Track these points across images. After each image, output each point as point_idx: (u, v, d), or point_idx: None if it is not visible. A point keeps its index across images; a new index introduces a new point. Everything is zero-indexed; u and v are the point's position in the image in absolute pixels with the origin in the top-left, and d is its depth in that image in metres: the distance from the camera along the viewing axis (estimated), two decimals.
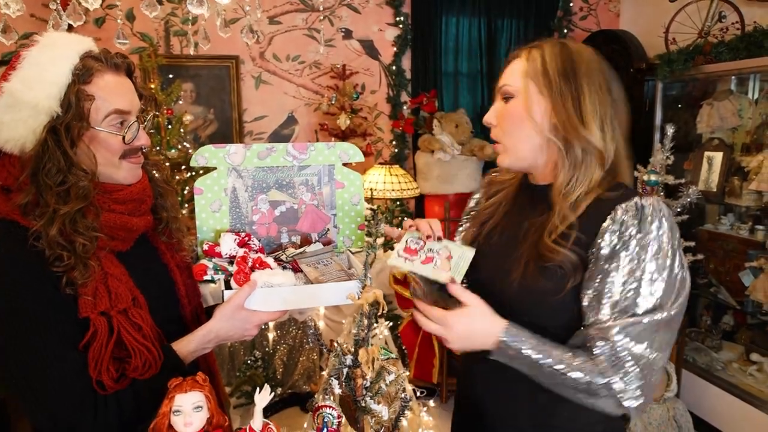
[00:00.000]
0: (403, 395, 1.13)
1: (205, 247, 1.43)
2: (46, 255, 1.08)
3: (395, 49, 4.43)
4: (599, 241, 1.14)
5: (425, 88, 4.40)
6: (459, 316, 1.19)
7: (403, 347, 3.59)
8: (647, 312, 1.09)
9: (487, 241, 1.37)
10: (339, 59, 4.34)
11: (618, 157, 1.24)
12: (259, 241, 1.48)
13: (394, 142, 4.49)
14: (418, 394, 1.16)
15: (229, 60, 4.17)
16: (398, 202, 4.34)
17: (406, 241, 1.32)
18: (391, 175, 3.85)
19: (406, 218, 1.37)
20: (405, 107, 4.49)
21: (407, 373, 1.17)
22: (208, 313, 1.46)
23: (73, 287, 1.10)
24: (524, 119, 1.24)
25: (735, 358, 3.46)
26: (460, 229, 1.53)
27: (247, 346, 3.51)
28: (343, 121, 4.09)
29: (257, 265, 1.34)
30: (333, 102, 4.17)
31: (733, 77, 3.40)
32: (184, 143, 3.52)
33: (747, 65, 3.09)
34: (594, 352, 1.11)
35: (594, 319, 1.13)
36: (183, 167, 3.47)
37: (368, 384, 1.17)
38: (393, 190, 3.78)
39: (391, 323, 3.68)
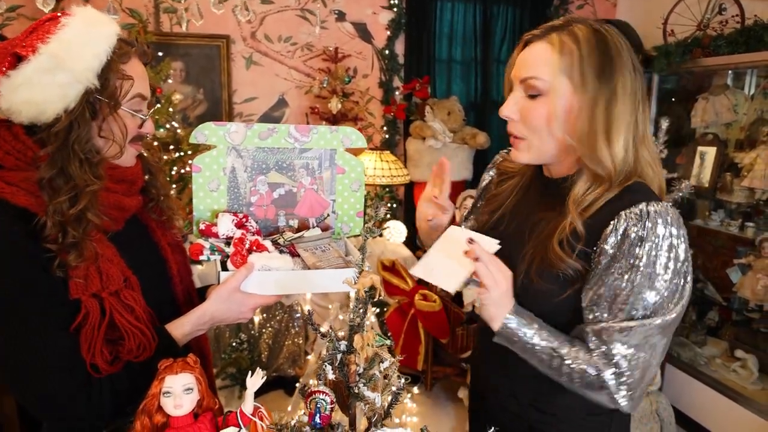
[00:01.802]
0: (398, 383, 1.11)
1: (202, 226, 1.39)
2: (45, 233, 1.06)
3: (389, 33, 4.37)
4: (602, 245, 1.12)
5: (418, 73, 4.36)
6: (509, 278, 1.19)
7: (389, 334, 3.58)
8: (642, 317, 1.09)
9: (494, 231, 1.34)
10: (331, 42, 4.28)
11: (640, 162, 1.18)
12: (256, 223, 1.45)
13: (385, 128, 4.45)
14: (403, 381, 1.15)
15: (219, 39, 4.09)
16: (388, 189, 4.31)
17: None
18: (381, 161, 3.82)
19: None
20: (397, 93, 4.45)
21: (398, 359, 1.16)
22: (199, 294, 1.44)
23: (64, 269, 1.08)
24: (553, 121, 1.15)
25: (719, 353, 3.49)
26: (470, 214, 1.51)
27: (232, 328, 3.49)
28: (335, 105, 4.05)
29: (255, 248, 1.31)
30: (324, 85, 4.12)
31: (730, 72, 3.39)
32: (173, 123, 3.47)
33: (745, 60, 3.07)
34: (590, 347, 1.13)
35: (591, 318, 1.14)
36: (171, 147, 3.42)
37: (361, 370, 1.15)
38: (383, 176, 3.75)
39: (377, 310, 3.67)
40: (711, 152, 3.44)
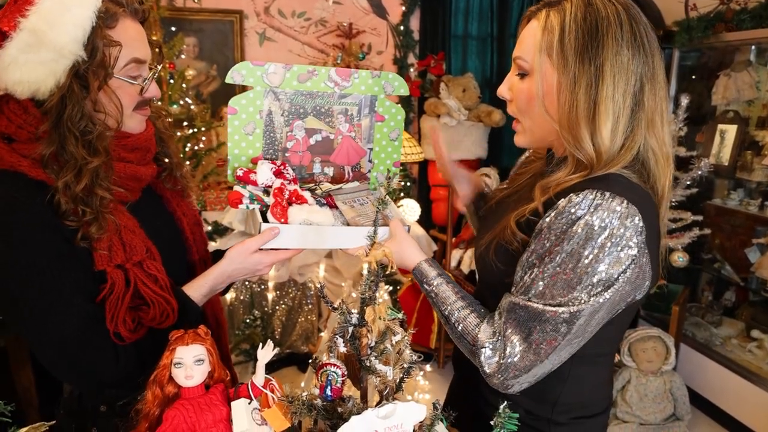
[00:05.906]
0: (410, 357, 1.11)
1: (240, 172, 1.34)
2: (62, 209, 1.05)
3: (404, 8, 4.32)
4: (542, 220, 1.07)
5: (433, 50, 4.31)
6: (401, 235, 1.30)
7: (402, 312, 3.58)
8: (540, 301, 1.05)
9: (498, 202, 1.35)
10: (345, 17, 4.24)
11: (645, 151, 1.10)
12: (292, 169, 1.40)
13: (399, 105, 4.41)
14: (415, 358, 1.14)
15: (233, 14, 4.07)
16: (402, 166, 4.28)
17: None
18: None
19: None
20: (412, 69, 4.40)
21: (410, 332, 1.17)
22: (214, 258, 1.43)
23: (88, 241, 1.08)
24: (534, 101, 1.11)
25: (735, 334, 3.46)
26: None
27: (246, 305, 3.50)
28: None
29: (294, 198, 1.29)
30: (338, 62, 4.09)
31: (753, 47, 3.31)
32: (186, 99, 3.46)
33: None
34: (492, 315, 1.14)
35: (513, 288, 1.13)
36: (185, 123, 3.41)
37: (373, 343, 1.14)
38: None
39: (390, 287, 3.67)
40: (731, 130, 3.37)
